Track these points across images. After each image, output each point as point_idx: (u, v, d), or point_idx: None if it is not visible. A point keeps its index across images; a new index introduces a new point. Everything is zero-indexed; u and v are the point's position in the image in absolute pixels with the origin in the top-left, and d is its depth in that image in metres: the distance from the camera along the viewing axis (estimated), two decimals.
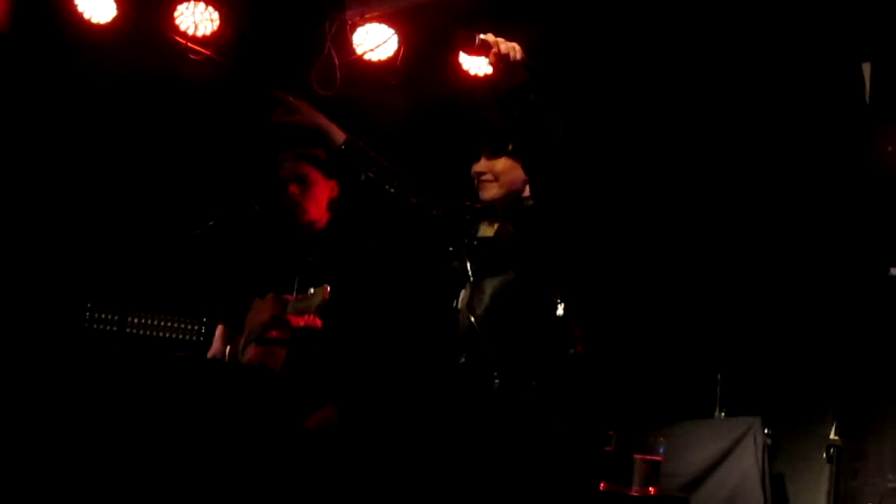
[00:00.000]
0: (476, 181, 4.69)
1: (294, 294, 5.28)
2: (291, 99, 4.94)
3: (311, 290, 5.07)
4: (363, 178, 4.83)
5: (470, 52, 4.66)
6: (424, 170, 5.08)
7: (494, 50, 4.30)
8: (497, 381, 4.40)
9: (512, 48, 4.32)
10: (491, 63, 4.36)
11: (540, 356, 4.43)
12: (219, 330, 5.67)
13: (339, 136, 4.87)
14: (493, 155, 4.64)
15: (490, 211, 4.71)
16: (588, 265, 4.77)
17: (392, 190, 4.81)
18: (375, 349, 5.34)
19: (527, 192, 4.66)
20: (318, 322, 5.05)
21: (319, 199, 5.44)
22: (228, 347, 5.50)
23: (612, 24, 6.98)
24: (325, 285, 5.01)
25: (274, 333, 5.16)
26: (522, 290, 4.47)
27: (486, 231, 4.70)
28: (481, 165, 4.66)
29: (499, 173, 4.62)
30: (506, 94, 4.37)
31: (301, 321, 5.02)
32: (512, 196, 4.65)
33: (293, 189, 5.40)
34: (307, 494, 4.99)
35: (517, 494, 4.33)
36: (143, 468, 4.82)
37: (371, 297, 5.34)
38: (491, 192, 4.64)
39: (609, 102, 7.19)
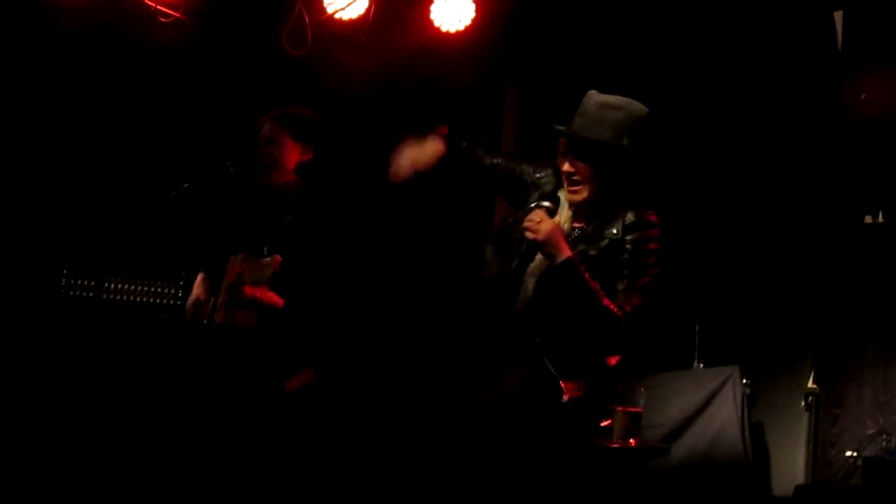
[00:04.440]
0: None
1: (265, 255, 5.28)
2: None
3: (265, 261, 5.08)
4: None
5: None
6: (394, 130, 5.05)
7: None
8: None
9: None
10: None
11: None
12: (200, 277, 5.62)
13: None
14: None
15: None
16: None
17: None
18: (350, 314, 5.34)
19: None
20: (279, 300, 5.06)
21: (283, 160, 5.40)
22: (212, 300, 5.46)
23: None
24: (276, 255, 5.02)
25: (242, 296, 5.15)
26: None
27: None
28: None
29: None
30: None
31: (256, 292, 5.02)
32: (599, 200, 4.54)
33: (260, 150, 5.39)
34: (290, 455, 5.00)
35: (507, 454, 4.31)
36: (127, 432, 4.82)
37: (349, 262, 5.33)
38: (581, 195, 4.53)
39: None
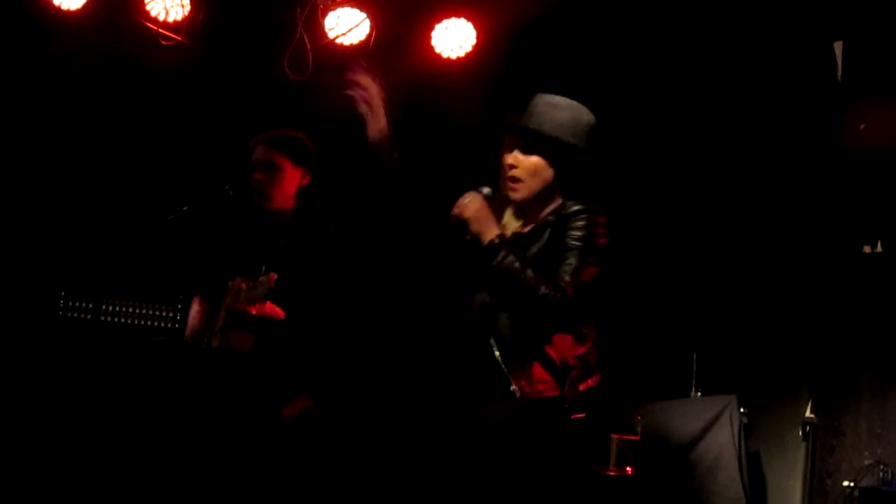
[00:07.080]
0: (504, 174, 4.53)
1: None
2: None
3: (260, 279, 5.07)
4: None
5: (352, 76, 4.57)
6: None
7: (364, 94, 4.42)
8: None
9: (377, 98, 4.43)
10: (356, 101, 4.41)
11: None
12: (195, 305, 5.62)
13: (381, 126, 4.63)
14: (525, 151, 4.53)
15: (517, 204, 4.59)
16: None
17: None
18: (346, 337, 5.34)
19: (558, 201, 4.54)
20: (280, 312, 5.05)
21: (285, 187, 5.40)
22: (211, 324, 5.45)
23: None
24: (272, 273, 5.00)
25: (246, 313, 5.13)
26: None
27: (512, 224, 4.59)
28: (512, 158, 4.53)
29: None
30: None
31: (254, 310, 5.01)
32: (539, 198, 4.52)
33: (259, 175, 5.38)
34: (288, 480, 5.00)
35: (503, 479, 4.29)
36: (124, 454, 4.81)
37: (339, 285, 5.32)
38: (520, 193, 4.50)
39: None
